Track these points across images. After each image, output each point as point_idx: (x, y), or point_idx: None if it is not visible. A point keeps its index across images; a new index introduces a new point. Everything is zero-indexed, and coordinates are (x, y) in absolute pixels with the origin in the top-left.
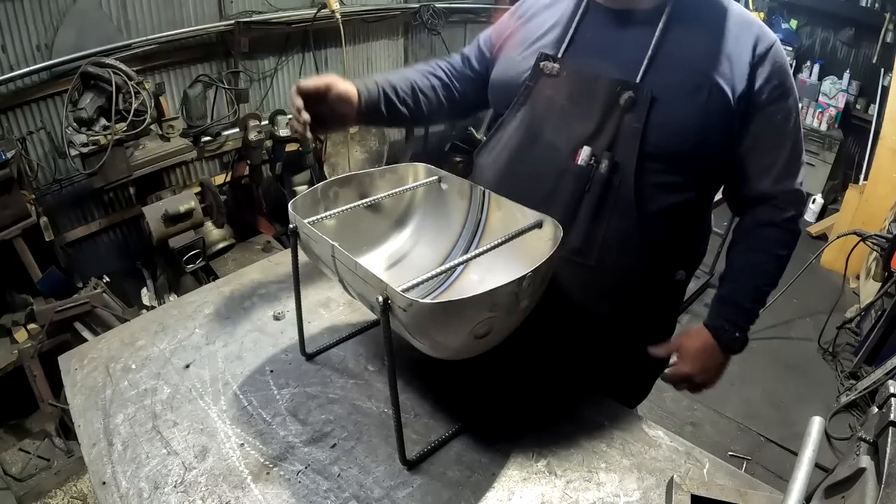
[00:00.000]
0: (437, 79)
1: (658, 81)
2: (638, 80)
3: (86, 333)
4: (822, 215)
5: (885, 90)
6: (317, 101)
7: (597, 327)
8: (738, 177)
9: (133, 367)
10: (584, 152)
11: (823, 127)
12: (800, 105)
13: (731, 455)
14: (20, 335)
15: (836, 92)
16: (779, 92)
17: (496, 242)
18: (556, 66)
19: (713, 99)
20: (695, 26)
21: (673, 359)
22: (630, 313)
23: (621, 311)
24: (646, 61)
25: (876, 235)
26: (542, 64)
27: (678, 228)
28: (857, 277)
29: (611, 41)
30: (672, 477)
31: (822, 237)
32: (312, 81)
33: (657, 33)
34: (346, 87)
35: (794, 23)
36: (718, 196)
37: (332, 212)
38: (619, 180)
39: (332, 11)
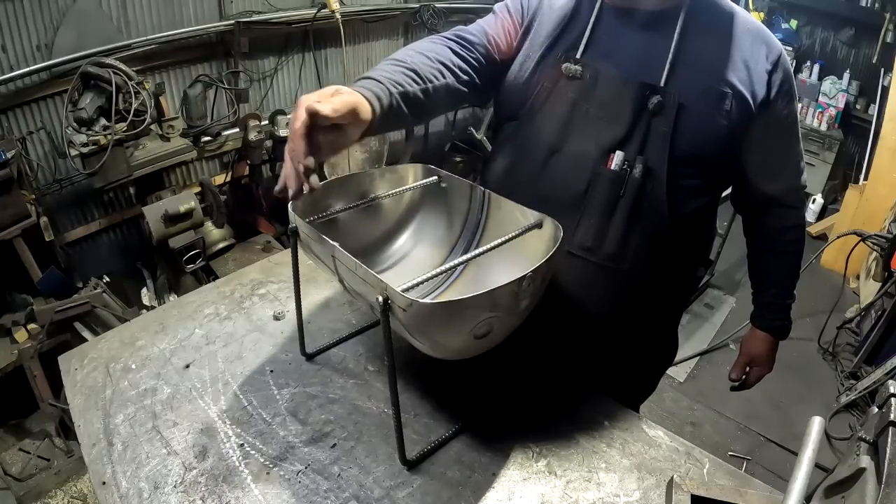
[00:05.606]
0: (442, 67)
1: (682, 87)
2: (662, 84)
3: (86, 333)
4: (822, 215)
5: (885, 90)
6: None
7: (609, 328)
8: (752, 179)
9: (133, 367)
10: (617, 157)
11: (823, 127)
12: (800, 105)
13: (731, 455)
14: (20, 335)
15: (836, 92)
16: (788, 97)
17: (496, 242)
18: (578, 68)
19: (736, 106)
20: (709, 32)
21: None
22: (647, 313)
23: (639, 312)
24: (667, 66)
25: (876, 235)
26: (563, 66)
27: (700, 229)
28: (857, 277)
29: (628, 43)
30: (672, 477)
31: (822, 237)
32: (331, 105)
33: (675, 38)
34: (354, 100)
35: (794, 23)
36: None
37: (332, 212)
38: (653, 185)
39: (332, 11)
